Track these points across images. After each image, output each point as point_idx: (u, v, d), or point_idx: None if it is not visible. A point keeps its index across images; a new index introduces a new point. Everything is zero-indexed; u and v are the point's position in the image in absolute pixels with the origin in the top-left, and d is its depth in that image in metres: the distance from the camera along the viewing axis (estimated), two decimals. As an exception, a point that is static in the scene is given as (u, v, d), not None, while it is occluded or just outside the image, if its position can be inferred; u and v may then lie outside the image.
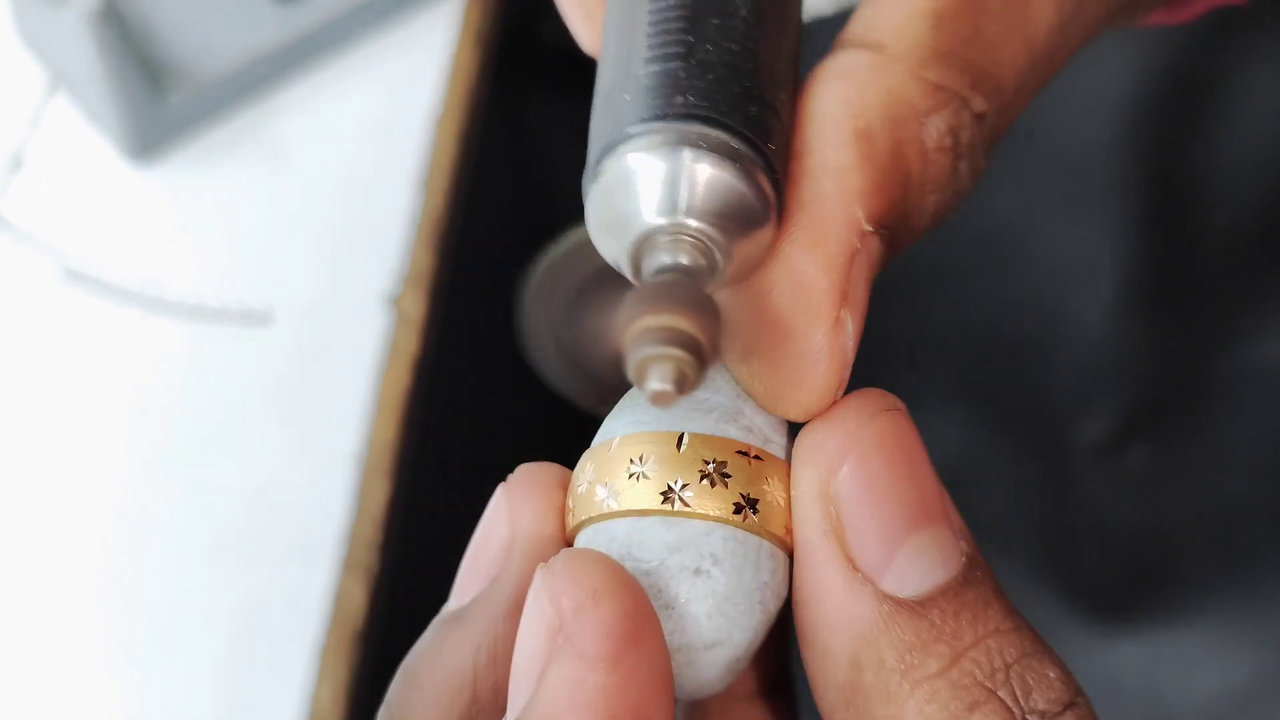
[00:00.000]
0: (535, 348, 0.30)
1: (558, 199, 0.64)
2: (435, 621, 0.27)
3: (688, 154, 0.24)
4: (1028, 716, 0.23)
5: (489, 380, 0.60)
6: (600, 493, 0.25)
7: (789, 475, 0.25)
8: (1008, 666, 0.24)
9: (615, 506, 0.25)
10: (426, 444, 0.53)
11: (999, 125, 0.27)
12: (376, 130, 0.62)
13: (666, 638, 0.24)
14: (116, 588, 0.54)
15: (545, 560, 0.25)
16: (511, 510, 0.26)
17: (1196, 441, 0.59)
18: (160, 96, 0.60)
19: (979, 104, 0.26)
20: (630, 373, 0.22)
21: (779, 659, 0.29)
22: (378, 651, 0.48)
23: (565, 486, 0.26)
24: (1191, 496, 0.59)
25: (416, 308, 0.54)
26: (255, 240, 0.61)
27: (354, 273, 0.58)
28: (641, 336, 0.22)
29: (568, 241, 0.28)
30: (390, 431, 0.51)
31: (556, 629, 0.22)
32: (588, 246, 0.26)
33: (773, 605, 0.25)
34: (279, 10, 0.61)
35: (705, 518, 0.24)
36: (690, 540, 0.24)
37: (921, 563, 0.24)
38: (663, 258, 0.24)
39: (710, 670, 0.25)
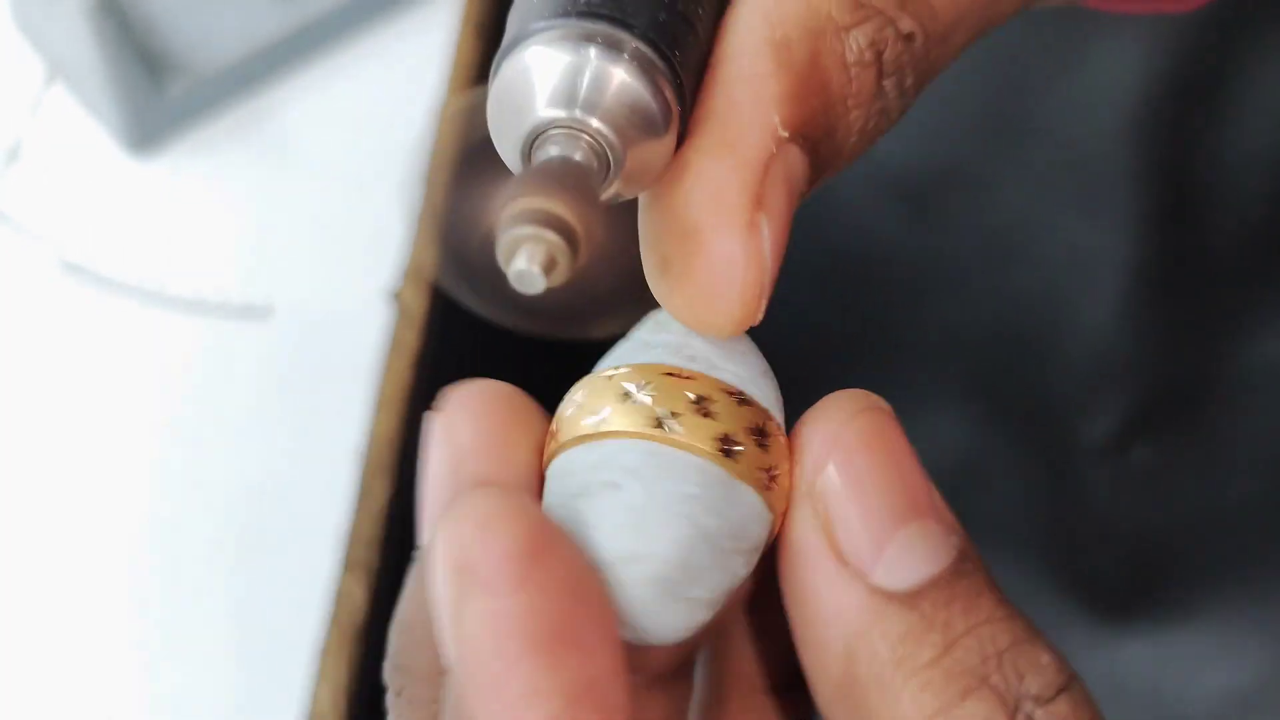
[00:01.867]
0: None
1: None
2: (411, 571, 0.26)
3: (589, 50, 0.23)
4: (1021, 702, 0.23)
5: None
6: (550, 440, 0.25)
7: (726, 394, 0.25)
8: (999, 654, 0.24)
9: (553, 445, 0.25)
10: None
11: (935, 52, 0.27)
12: (377, 122, 0.62)
13: (595, 552, 0.24)
14: (113, 584, 0.54)
15: (496, 465, 0.25)
16: (447, 431, 0.26)
17: (1203, 440, 0.59)
18: (159, 87, 0.60)
19: (906, 24, 0.26)
20: (499, 252, 0.22)
21: (793, 653, 0.29)
22: (378, 651, 0.48)
23: (504, 400, 0.26)
24: (1198, 495, 0.59)
25: (418, 302, 0.53)
26: (255, 233, 0.60)
27: (355, 267, 0.58)
28: (516, 216, 0.22)
29: (461, 103, 0.28)
30: (391, 428, 0.51)
31: (459, 567, 0.22)
32: (474, 120, 0.25)
33: (707, 520, 0.24)
34: (279, 2, 0.61)
35: (622, 435, 0.24)
36: (609, 458, 0.24)
37: (911, 555, 0.24)
38: (552, 150, 0.24)
39: (639, 590, 0.24)
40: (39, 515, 0.55)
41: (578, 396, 0.25)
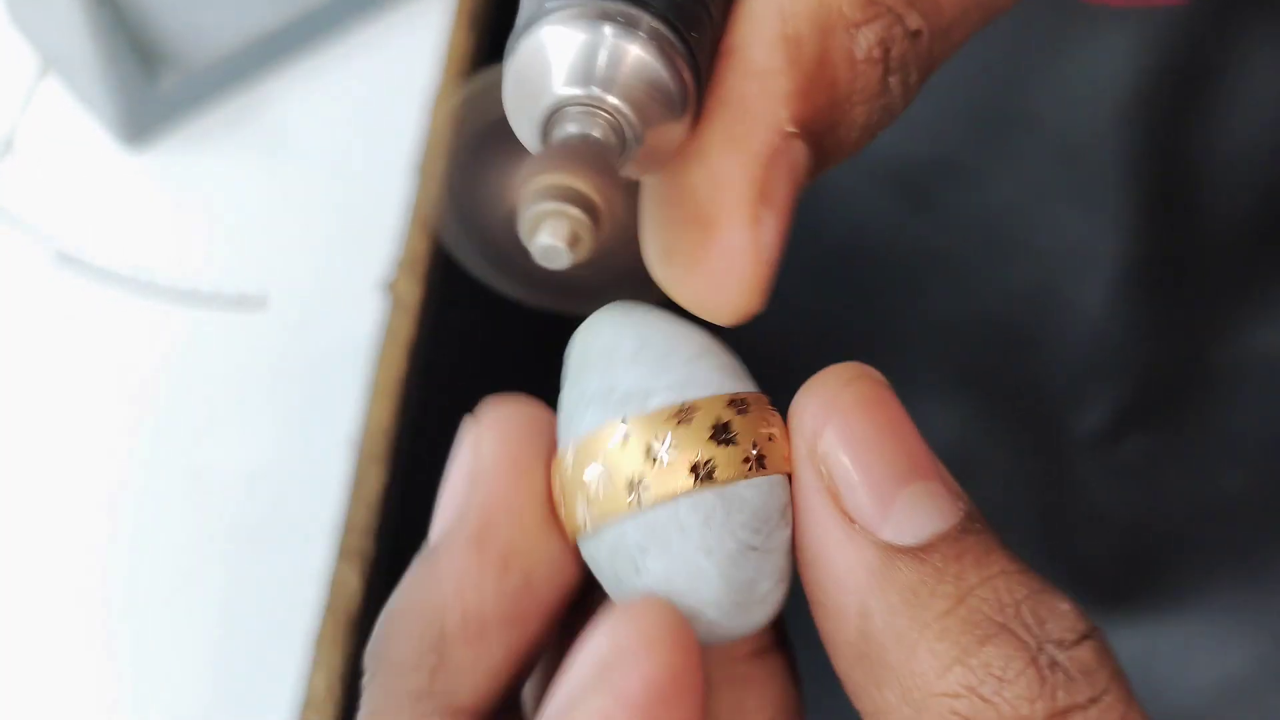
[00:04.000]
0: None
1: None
2: (414, 560, 0.27)
3: (606, 29, 0.24)
4: (1044, 645, 0.24)
5: (484, 365, 0.60)
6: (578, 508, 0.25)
7: (673, 418, 0.25)
8: (1017, 602, 0.24)
9: (601, 509, 0.25)
10: (422, 430, 0.52)
11: (937, 47, 0.27)
12: (372, 114, 0.62)
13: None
14: (109, 574, 0.54)
15: (507, 487, 0.26)
16: (475, 441, 0.27)
17: (1194, 431, 0.59)
18: (153, 80, 0.60)
19: (914, 21, 0.26)
20: (522, 228, 0.22)
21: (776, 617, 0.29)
22: (373, 639, 0.48)
23: (535, 417, 0.27)
24: (1189, 486, 0.59)
25: (411, 293, 0.53)
26: (249, 225, 0.60)
27: (349, 258, 0.58)
28: (538, 193, 0.22)
29: (472, 86, 0.28)
30: (385, 417, 0.51)
31: (606, 663, 0.23)
32: (492, 93, 0.25)
33: (745, 535, 0.25)
34: (273, -7, 0.61)
35: (666, 497, 0.25)
36: (653, 524, 0.25)
37: (918, 512, 0.25)
38: (570, 127, 0.24)
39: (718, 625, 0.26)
40: (33, 506, 0.55)
41: (596, 469, 0.25)
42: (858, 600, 0.24)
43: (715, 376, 0.26)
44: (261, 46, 0.62)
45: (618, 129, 0.24)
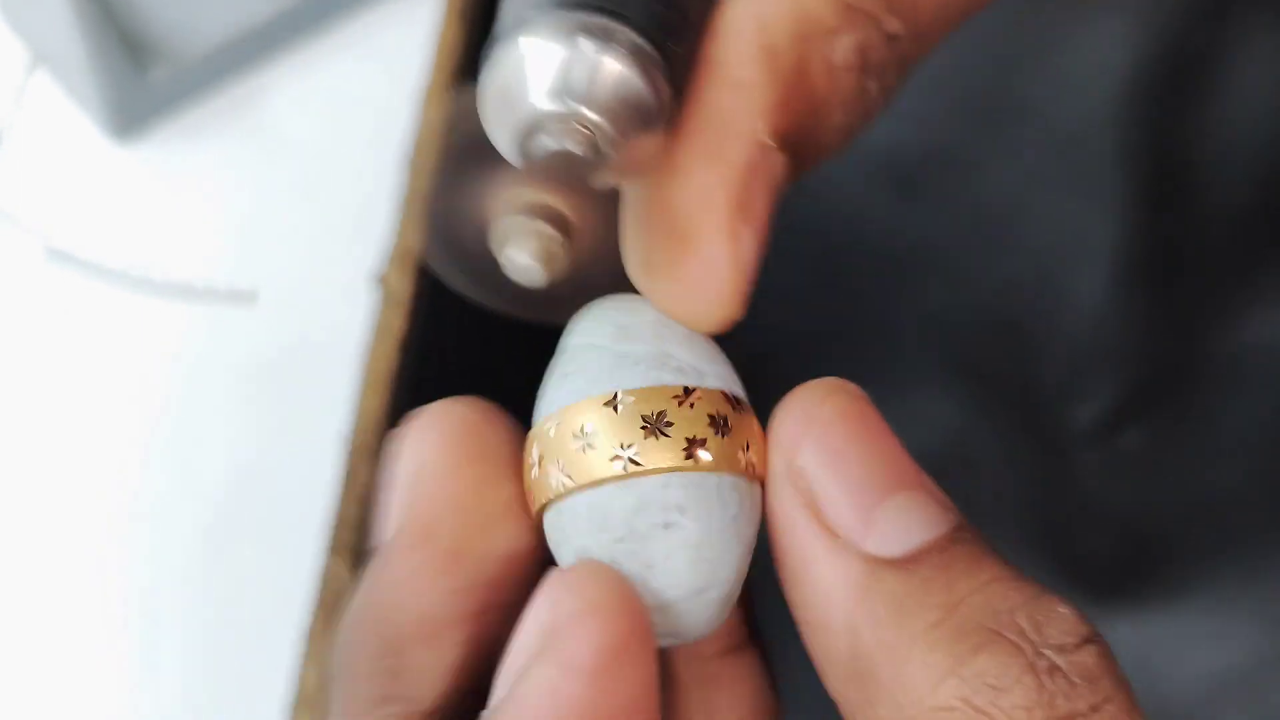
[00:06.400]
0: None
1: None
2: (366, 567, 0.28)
3: (584, 42, 0.24)
4: (1042, 650, 0.23)
5: (476, 360, 0.60)
6: (553, 472, 0.25)
7: (727, 402, 0.25)
8: (1012, 609, 0.23)
9: (571, 484, 0.25)
10: (413, 424, 0.52)
11: (913, 49, 0.27)
12: (363, 107, 0.61)
13: (658, 594, 0.24)
14: (98, 569, 0.54)
15: (447, 485, 0.26)
16: (411, 443, 0.27)
17: (1192, 422, 0.59)
18: (143, 73, 0.60)
19: (892, 25, 0.26)
20: (496, 244, 0.23)
21: (746, 613, 0.28)
22: (364, 634, 0.48)
23: (471, 414, 0.27)
24: (1187, 478, 0.59)
25: (403, 287, 0.53)
26: (240, 219, 0.60)
27: (340, 251, 0.58)
28: (513, 210, 0.23)
29: (458, 101, 0.28)
30: (376, 411, 0.50)
31: (550, 631, 0.23)
32: (469, 114, 0.25)
33: (748, 532, 0.25)
34: (263, -14, 0.61)
35: (658, 471, 0.24)
36: (651, 498, 0.24)
37: (902, 523, 0.24)
38: (548, 142, 0.24)
39: (707, 611, 0.25)
40: (23, 501, 0.55)
41: (584, 429, 0.25)
42: (844, 616, 0.24)
43: (724, 370, 0.26)
44: (252, 39, 0.61)
45: (594, 143, 0.24)
